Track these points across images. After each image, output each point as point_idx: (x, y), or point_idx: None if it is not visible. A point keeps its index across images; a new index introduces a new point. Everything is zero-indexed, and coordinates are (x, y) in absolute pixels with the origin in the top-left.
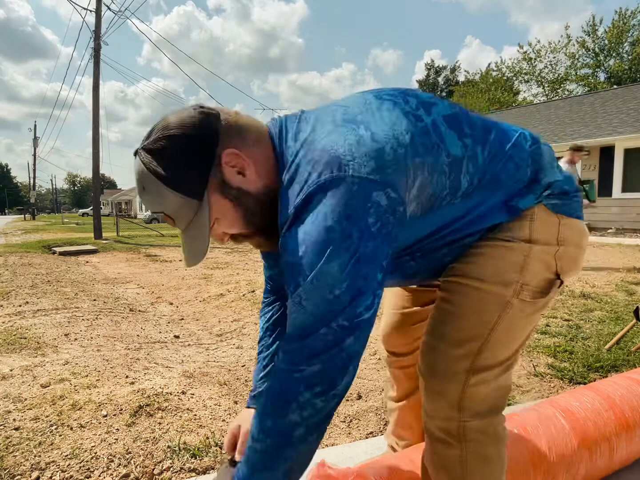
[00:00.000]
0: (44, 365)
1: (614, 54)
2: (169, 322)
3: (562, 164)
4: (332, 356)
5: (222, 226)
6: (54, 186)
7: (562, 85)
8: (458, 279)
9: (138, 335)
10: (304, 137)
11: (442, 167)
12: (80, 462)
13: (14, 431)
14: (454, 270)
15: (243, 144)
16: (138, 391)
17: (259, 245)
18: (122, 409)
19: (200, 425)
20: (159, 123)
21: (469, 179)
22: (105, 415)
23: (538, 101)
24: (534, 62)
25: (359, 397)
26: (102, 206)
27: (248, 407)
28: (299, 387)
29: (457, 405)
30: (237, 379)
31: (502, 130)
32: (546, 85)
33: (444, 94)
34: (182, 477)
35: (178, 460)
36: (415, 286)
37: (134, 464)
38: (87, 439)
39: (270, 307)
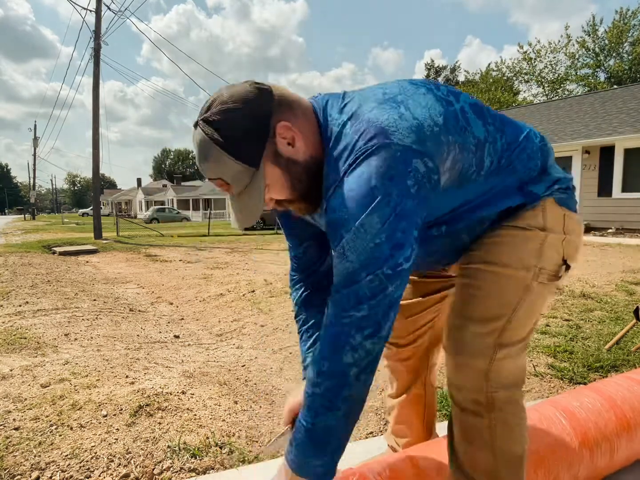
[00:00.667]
0: (44, 365)
1: (614, 54)
2: (169, 322)
3: None
4: (378, 301)
5: (271, 192)
6: (54, 186)
7: (562, 85)
8: (481, 265)
9: (138, 335)
10: (350, 111)
11: (469, 146)
12: (80, 462)
13: (14, 431)
14: (475, 258)
15: (293, 117)
16: (138, 391)
17: (299, 210)
18: (122, 409)
19: (200, 425)
20: (217, 97)
21: (490, 160)
22: (105, 415)
23: (538, 101)
24: (534, 62)
25: None
26: (102, 206)
27: (304, 379)
28: (350, 331)
29: (485, 377)
30: (237, 378)
31: (515, 124)
32: (546, 85)
33: None
34: (182, 477)
35: (178, 460)
36: (416, 277)
37: (134, 464)
38: (87, 439)
39: (300, 284)
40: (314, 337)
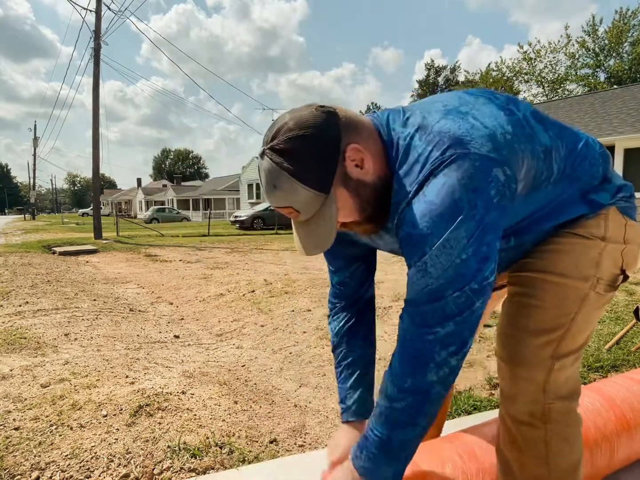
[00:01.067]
0: (44, 365)
1: (614, 54)
2: (169, 322)
3: None
4: (464, 318)
5: (339, 215)
6: (54, 186)
7: (562, 85)
8: (538, 274)
9: (138, 335)
10: (416, 123)
11: (538, 154)
12: (80, 462)
13: (14, 431)
14: (531, 266)
15: (360, 138)
16: (138, 391)
17: (363, 231)
18: (122, 409)
19: (200, 425)
20: (283, 124)
21: (557, 166)
22: (105, 415)
23: (538, 101)
24: (534, 62)
25: None
26: (102, 206)
27: (344, 422)
28: (435, 347)
29: (542, 388)
30: (237, 378)
31: (573, 132)
32: (546, 85)
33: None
34: (182, 477)
35: (178, 460)
36: None
37: (134, 464)
38: (87, 439)
39: (343, 314)
40: (356, 375)
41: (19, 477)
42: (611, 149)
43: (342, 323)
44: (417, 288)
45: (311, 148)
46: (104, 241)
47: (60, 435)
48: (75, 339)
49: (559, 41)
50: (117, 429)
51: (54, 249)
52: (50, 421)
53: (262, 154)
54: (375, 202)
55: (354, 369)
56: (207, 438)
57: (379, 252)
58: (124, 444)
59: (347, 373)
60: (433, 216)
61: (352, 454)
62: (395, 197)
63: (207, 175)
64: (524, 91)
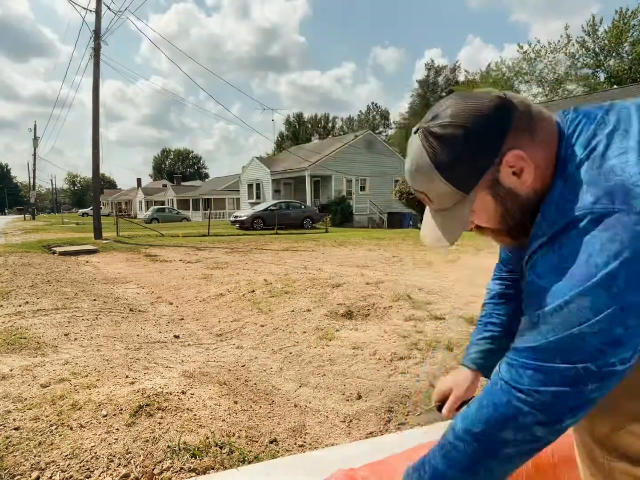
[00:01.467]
0: (44, 365)
1: (614, 54)
2: (169, 322)
3: None
4: (566, 394)
5: (475, 217)
6: (54, 186)
7: (562, 85)
8: None
9: (138, 335)
10: (594, 147)
11: None
12: (80, 462)
13: (14, 431)
14: None
15: (529, 144)
16: (138, 391)
17: (500, 241)
18: (122, 409)
19: (200, 425)
20: (447, 106)
21: None
22: (105, 415)
23: (538, 101)
24: (534, 62)
25: (359, 397)
26: (102, 206)
27: (462, 365)
28: (523, 408)
29: None
30: (237, 378)
31: None
32: (546, 85)
33: (444, 94)
34: (182, 477)
35: (178, 460)
36: None
37: (134, 464)
38: (87, 439)
39: (507, 276)
40: (492, 333)
41: (19, 477)
42: None
43: (502, 285)
44: (525, 338)
45: (465, 142)
46: (104, 241)
47: (60, 435)
48: (75, 339)
49: (559, 41)
50: (117, 429)
51: (54, 249)
52: (50, 421)
53: (417, 130)
54: (522, 218)
55: (493, 328)
56: (207, 438)
57: (379, 252)
58: (124, 444)
59: (484, 328)
60: (560, 274)
61: (405, 473)
62: (535, 227)
63: (207, 175)
64: (524, 91)
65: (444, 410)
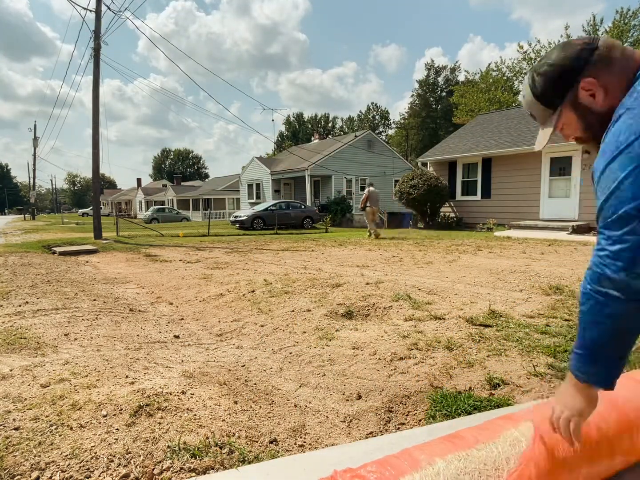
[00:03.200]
0: (44, 365)
1: None
2: (169, 322)
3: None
4: (625, 238)
5: (566, 130)
6: (54, 186)
7: None
8: None
9: (138, 335)
10: None
11: None
12: (80, 462)
13: (14, 431)
14: None
15: (605, 73)
16: (138, 391)
17: (591, 148)
18: (122, 409)
19: (200, 425)
20: (549, 53)
21: None
22: (105, 415)
23: None
24: (534, 62)
25: (359, 397)
26: (102, 206)
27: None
28: (605, 260)
29: None
30: (237, 378)
31: None
32: None
33: (444, 94)
34: (182, 477)
35: (178, 460)
36: None
37: (134, 464)
38: (87, 439)
39: None
40: None
41: (19, 477)
42: None
43: None
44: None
45: (552, 76)
46: (104, 241)
47: (60, 435)
48: (75, 339)
49: (559, 41)
50: (117, 429)
51: (54, 249)
52: (50, 421)
53: (531, 69)
54: (600, 128)
55: None
56: (207, 438)
57: (379, 252)
58: (123, 444)
59: None
60: (602, 153)
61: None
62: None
63: (207, 175)
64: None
65: None
